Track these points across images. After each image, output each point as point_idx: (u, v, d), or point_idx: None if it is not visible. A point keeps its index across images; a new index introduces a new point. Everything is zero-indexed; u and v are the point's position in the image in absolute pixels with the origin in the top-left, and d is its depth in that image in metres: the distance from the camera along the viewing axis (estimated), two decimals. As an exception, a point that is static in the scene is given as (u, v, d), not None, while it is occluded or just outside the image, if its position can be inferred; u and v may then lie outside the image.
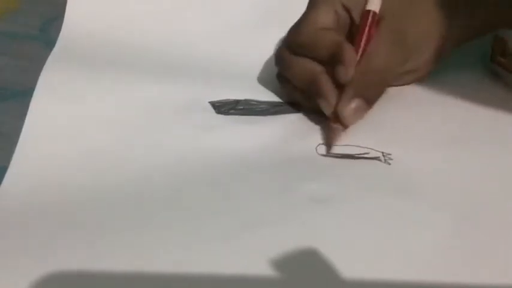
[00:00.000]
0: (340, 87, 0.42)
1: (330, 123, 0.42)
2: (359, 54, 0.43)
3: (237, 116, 0.44)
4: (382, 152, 0.41)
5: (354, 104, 0.42)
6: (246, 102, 0.46)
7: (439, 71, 0.48)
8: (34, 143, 0.40)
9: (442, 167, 0.40)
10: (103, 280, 0.30)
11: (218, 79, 0.49)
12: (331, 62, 0.42)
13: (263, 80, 0.49)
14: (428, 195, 0.37)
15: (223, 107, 0.45)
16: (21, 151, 0.39)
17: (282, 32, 0.51)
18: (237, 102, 0.46)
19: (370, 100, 0.43)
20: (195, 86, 0.48)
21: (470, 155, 0.41)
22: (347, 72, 0.42)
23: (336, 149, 0.41)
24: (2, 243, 0.32)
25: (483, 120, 0.45)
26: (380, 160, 0.40)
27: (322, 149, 0.41)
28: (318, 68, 0.43)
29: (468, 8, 0.46)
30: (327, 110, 0.42)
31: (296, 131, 0.44)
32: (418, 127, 0.44)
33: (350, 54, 0.42)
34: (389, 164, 0.40)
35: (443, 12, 0.45)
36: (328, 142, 0.42)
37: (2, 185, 0.36)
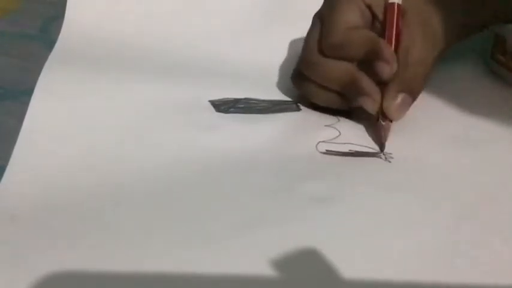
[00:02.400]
0: (379, 83, 0.42)
1: (379, 121, 0.42)
2: (392, 48, 0.43)
3: (237, 115, 0.44)
4: (383, 152, 0.41)
5: (399, 98, 0.42)
6: (246, 101, 0.46)
7: (438, 70, 0.48)
8: (33, 142, 0.40)
9: (442, 165, 0.40)
10: (103, 280, 0.30)
11: (218, 79, 0.49)
12: (367, 59, 0.42)
13: (263, 79, 0.49)
14: (428, 194, 0.37)
15: (223, 106, 0.45)
16: (20, 151, 0.39)
17: (282, 31, 0.51)
18: (237, 100, 0.46)
19: (414, 93, 0.43)
20: (195, 85, 0.48)
21: (470, 153, 0.41)
22: (391, 68, 0.42)
23: (337, 147, 0.41)
24: (1, 243, 0.32)
25: (483, 119, 0.45)
26: (381, 158, 0.40)
27: (323, 147, 0.41)
28: (353, 67, 0.43)
29: (469, 2, 0.46)
30: (372, 108, 0.42)
31: (296, 129, 0.44)
32: (418, 126, 0.44)
33: (390, 50, 0.42)
34: (390, 162, 0.40)
35: (453, 4, 0.45)
36: (380, 140, 0.42)
37: (0, 184, 0.36)
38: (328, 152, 0.41)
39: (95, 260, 0.31)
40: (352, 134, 0.43)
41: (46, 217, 0.34)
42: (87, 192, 0.36)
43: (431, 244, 0.34)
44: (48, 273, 0.30)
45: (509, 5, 0.48)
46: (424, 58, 0.43)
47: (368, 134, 0.43)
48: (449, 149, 0.42)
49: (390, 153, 0.41)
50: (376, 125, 0.43)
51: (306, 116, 0.45)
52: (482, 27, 0.49)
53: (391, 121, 0.42)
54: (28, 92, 0.45)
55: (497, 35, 0.50)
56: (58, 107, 0.44)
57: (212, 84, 0.48)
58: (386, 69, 0.42)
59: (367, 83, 0.42)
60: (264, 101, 0.46)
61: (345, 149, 0.41)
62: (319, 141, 0.42)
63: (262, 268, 0.31)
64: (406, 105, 0.42)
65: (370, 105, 0.42)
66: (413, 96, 0.43)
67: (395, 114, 0.42)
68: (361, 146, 0.42)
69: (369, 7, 0.44)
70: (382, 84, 0.42)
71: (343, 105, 0.44)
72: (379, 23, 0.44)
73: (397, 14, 0.43)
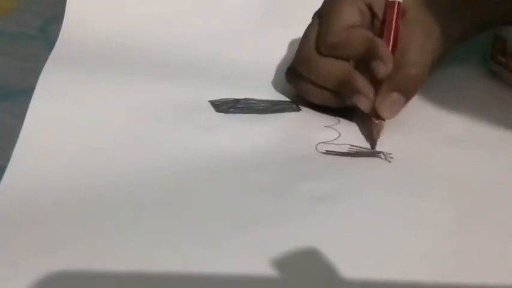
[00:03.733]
0: (373, 83, 0.42)
1: (372, 119, 0.42)
2: (390, 47, 0.43)
3: (237, 115, 0.44)
4: (383, 152, 0.41)
5: (392, 97, 0.42)
6: (246, 101, 0.46)
7: (439, 71, 0.48)
8: (33, 142, 0.40)
9: (442, 166, 0.40)
10: (103, 280, 0.30)
11: (218, 79, 0.49)
12: (364, 58, 0.42)
13: (263, 79, 0.49)
14: (428, 194, 0.37)
15: (223, 106, 0.45)
16: (21, 151, 0.39)
17: (282, 31, 0.51)
18: (237, 101, 0.46)
19: (408, 93, 0.43)
20: (195, 85, 0.48)
21: (470, 154, 0.41)
22: (387, 67, 0.42)
23: (337, 149, 0.41)
24: (1, 243, 0.32)
25: (483, 120, 0.45)
26: (380, 158, 0.40)
27: (323, 147, 0.41)
28: (348, 66, 0.43)
29: (469, 3, 0.46)
30: (366, 106, 0.42)
31: (296, 129, 0.44)
32: (418, 126, 0.44)
33: (386, 49, 0.42)
34: (390, 162, 0.40)
35: (453, 8, 0.45)
36: (372, 138, 0.42)
37: (1, 184, 0.36)
38: (328, 152, 0.41)
39: (95, 260, 0.31)
40: (352, 136, 0.43)
41: (46, 217, 0.34)
42: (87, 192, 0.36)
43: (432, 244, 0.34)
44: (48, 273, 0.30)
45: (509, 6, 0.48)
46: (421, 59, 0.43)
47: (361, 132, 0.43)
48: (449, 149, 0.42)
49: (390, 153, 0.41)
50: (370, 123, 0.43)
51: (306, 116, 0.45)
52: (483, 29, 0.49)
53: (384, 120, 0.42)
54: (28, 92, 0.45)
55: (497, 36, 0.50)
56: (58, 107, 0.44)
57: (212, 84, 0.48)
58: (382, 69, 0.42)
59: (361, 81, 0.42)
60: (263, 101, 0.46)
61: (345, 150, 0.41)
62: (319, 142, 0.42)
63: (262, 268, 0.31)
64: (398, 105, 0.42)
65: (364, 104, 0.42)
66: (406, 96, 0.43)
67: (386, 112, 0.42)
68: (361, 147, 0.42)
69: (369, 6, 0.44)
70: (378, 84, 0.42)
71: (337, 103, 0.44)
72: (379, 23, 0.44)
73: (397, 13, 0.43)
